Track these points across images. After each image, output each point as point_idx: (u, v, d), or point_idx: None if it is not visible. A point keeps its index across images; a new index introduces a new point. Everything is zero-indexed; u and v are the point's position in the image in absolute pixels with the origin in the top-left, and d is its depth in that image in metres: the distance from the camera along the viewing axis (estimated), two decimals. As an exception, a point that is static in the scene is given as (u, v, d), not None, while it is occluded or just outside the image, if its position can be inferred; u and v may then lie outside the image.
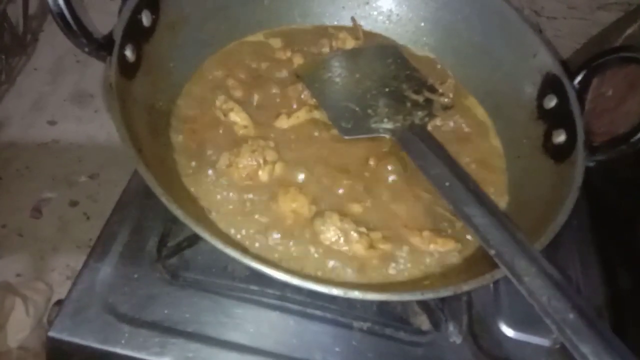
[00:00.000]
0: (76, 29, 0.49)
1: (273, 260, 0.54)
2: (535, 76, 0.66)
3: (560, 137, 0.61)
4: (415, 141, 0.63)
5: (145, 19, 0.59)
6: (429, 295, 0.45)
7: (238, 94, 0.68)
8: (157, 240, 0.64)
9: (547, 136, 0.63)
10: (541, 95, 0.65)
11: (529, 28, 0.68)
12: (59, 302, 0.60)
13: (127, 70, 0.55)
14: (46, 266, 0.93)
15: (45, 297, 0.86)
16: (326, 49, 0.76)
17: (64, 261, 0.94)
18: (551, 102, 0.64)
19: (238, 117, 0.65)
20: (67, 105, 1.15)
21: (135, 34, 0.57)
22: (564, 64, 0.64)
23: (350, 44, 0.76)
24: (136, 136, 0.51)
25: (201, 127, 0.65)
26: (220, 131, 0.64)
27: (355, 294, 0.43)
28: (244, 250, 0.53)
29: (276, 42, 0.76)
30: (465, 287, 0.46)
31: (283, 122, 0.66)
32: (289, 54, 0.75)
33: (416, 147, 0.62)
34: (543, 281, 0.45)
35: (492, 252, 0.48)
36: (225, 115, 0.65)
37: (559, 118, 0.62)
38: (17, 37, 1.17)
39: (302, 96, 0.69)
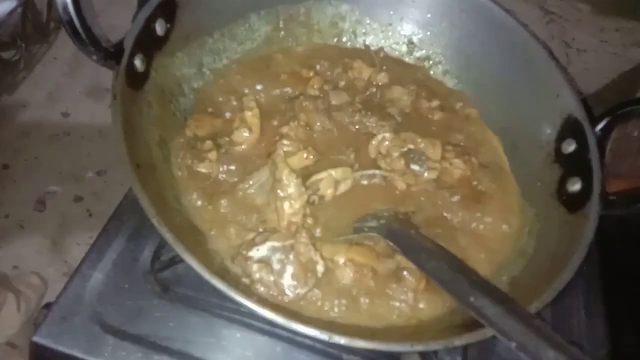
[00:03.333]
0: (85, 38, 0.48)
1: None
2: (556, 118, 0.63)
3: (575, 186, 0.58)
4: (403, 235, 0.57)
5: (159, 27, 0.58)
6: (418, 348, 0.42)
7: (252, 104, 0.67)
8: (152, 251, 0.63)
9: (562, 182, 0.60)
10: (560, 138, 0.63)
11: (555, 66, 0.65)
12: (48, 306, 0.59)
13: (135, 80, 0.54)
14: (44, 261, 0.93)
15: (39, 293, 0.86)
16: (342, 82, 0.74)
17: (62, 257, 0.93)
18: (570, 146, 0.61)
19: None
20: (82, 98, 1.15)
21: (147, 43, 0.56)
22: (588, 108, 0.62)
23: (366, 73, 0.74)
24: (137, 151, 0.50)
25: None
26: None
27: (341, 340, 0.42)
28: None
29: (291, 60, 0.75)
30: (457, 342, 0.44)
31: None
32: (311, 73, 0.73)
33: (405, 242, 0.56)
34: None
35: (512, 344, 0.42)
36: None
37: (576, 165, 0.59)
38: (40, 25, 1.16)
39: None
